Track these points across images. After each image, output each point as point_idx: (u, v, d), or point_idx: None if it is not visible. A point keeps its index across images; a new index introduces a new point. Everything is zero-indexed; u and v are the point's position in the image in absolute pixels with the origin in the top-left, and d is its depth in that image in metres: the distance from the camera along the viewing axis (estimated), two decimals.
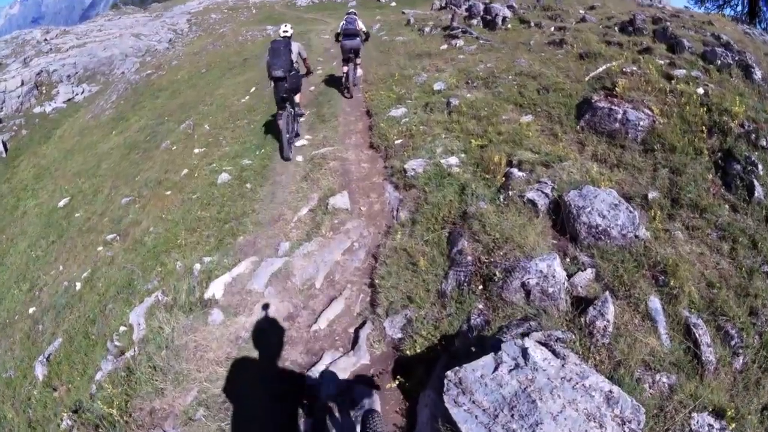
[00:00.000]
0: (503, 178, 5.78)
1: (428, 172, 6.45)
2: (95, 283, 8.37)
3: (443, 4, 24.71)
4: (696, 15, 15.49)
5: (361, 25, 11.92)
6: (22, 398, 6.65)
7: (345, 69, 12.20)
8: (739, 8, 17.89)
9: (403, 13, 27.51)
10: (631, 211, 4.61)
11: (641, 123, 6.55)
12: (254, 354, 4.67)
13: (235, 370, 4.54)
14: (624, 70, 8.29)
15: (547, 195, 5.08)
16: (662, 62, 8.90)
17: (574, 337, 3.43)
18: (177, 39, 38.84)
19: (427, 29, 18.79)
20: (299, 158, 8.89)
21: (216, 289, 5.56)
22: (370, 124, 9.88)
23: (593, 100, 7.19)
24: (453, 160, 6.53)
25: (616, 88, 7.37)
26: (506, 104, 8.36)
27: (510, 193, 5.14)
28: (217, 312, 5.17)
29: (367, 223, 6.29)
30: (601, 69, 8.83)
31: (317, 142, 9.57)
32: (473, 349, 3.46)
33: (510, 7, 17.48)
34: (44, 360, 6.95)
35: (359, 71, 12.94)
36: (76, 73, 31.83)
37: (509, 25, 16.02)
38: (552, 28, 14.70)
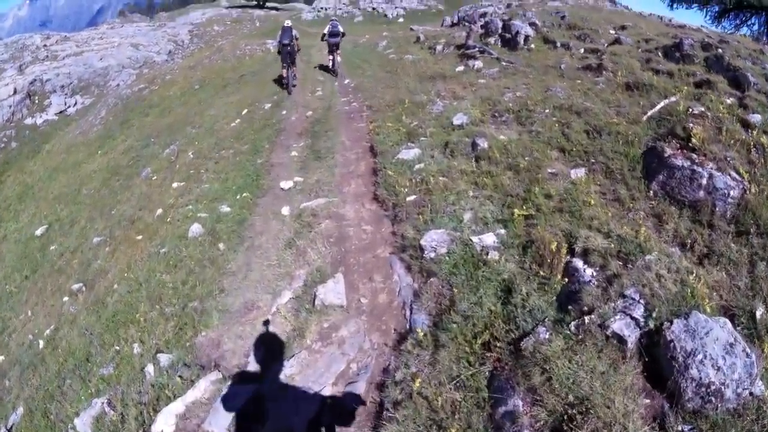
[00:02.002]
0: (564, 279, 4.07)
1: (454, 254, 4.71)
2: (57, 343, 7.58)
3: (455, 21, 23.21)
4: (743, 41, 13.89)
5: (341, 29, 17.02)
6: None
7: (330, 57, 17.31)
8: (756, 27, 16.17)
9: (412, 29, 26.02)
10: (748, 355, 2.98)
11: (731, 192, 4.82)
12: None
13: None
14: (692, 111, 6.61)
15: (638, 323, 3.34)
16: (730, 101, 7.22)
17: None
18: (177, 50, 37.61)
19: (439, 47, 17.22)
20: (285, 210, 7.26)
21: (165, 422, 4.03)
22: (375, 166, 8.18)
23: (665, 155, 5.49)
24: (489, 238, 4.76)
25: (693, 139, 5.67)
26: (549, 149, 6.62)
27: (586, 319, 3.40)
28: None
29: (369, 327, 4.54)
30: (659, 106, 7.16)
31: (309, 186, 7.96)
32: None
33: (532, 24, 15.86)
34: None
35: (339, 58, 17.40)
36: (71, 83, 30.39)
37: (532, 45, 14.41)
38: (582, 50, 13.11)
